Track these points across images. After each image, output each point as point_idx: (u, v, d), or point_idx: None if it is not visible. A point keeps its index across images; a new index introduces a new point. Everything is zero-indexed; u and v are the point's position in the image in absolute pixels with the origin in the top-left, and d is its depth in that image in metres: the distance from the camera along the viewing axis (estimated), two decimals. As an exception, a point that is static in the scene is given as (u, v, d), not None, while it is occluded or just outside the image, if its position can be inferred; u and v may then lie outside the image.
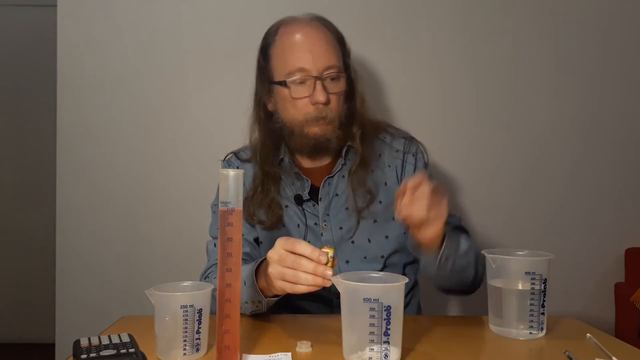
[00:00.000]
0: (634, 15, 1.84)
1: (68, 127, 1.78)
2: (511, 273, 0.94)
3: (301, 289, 0.87)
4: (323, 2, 1.77)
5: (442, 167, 1.81)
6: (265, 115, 1.21)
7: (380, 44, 1.80)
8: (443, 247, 1.01)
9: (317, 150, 1.18)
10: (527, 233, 1.83)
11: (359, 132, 1.19)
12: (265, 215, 1.18)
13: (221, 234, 0.78)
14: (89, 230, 1.79)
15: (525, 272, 0.92)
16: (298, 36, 1.14)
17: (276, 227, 1.18)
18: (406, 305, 1.25)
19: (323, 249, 0.85)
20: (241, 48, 1.79)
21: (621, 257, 1.86)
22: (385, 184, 1.21)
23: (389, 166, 1.22)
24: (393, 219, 1.16)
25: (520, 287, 0.93)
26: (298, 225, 1.20)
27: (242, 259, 1.13)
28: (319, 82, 1.11)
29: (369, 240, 1.18)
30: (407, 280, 0.79)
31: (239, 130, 1.77)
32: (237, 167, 1.26)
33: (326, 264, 0.84)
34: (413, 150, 1.24)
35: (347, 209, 1.19)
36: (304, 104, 1.12)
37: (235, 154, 1.31)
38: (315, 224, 1.19)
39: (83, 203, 1.79)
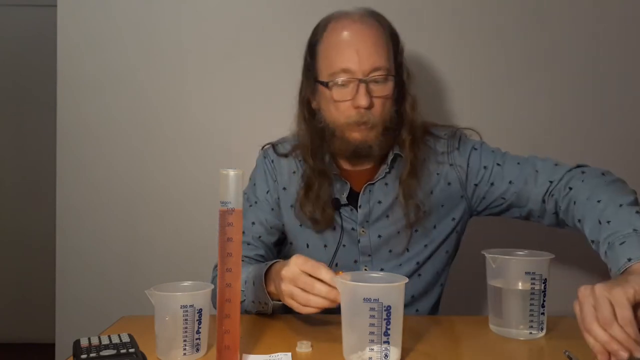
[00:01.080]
0: (634, 15, 1.84)
1: (68, 127, 1.78)
2: (511, 273, 0.94)
3: (309, 310, 0.87)
4: (323, 1, 1.77)
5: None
6: (310, 114, 1.16)
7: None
8: None
9: (358, 156, 1.13)
10: (527, 233, 1.83)
11: (408, 139, 1.13)
12: (321, 215, 1.13)
13: (221, 234, 0.78)
14: (89, 230, 1.79)
15: (525, 272, 0.92)
16: (345, 34, 1.06)
17: (329, 227, 1.14)
18: (433, 308, 1.25)
19: (338, 274, 0.84)
20: (241, 48, 1.80)
21: (621, 257, 1.86)
22: (432, 192, 1.16)
23: (438, 174, 1.17)
24: (434, 227, 1.16)
25: (520, 287, 0.93)
26: (334, 228, 1.15)
27: (255, 260, 1.14)
28: (362, 85, 1.04)
29: (408, 250, 1.16)
30: (406, 280, 0.79)
31: (239, 130, 1.79)
32: (272, 161, 1.22)
33: None
34: (456, 144, 1.18)
35: (387, 217, 1.15)
36: (346, 107, 1.07)
37: (274, 146, 1.25)
38: (353, 229, 1.15)
39: (83, 203, 1.78)
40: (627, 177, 1.84)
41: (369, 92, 1.05)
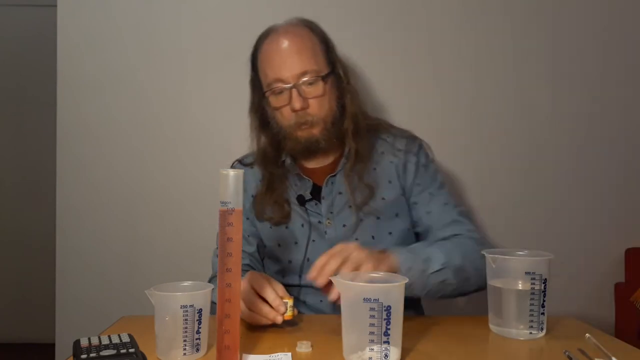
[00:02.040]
0: (634, 15, 1.84)
1: (68, 127, 1.78)
2: (511, 273, 0.94)
3: (254, 323, 0.96)
4: (323, 1, 1.77)
5: (441, 168, 1.81)
6: (262, 122, 1.26)
7: (380, 43, 1.80)
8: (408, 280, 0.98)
9: (311, 152, 1.21)
10: (527, 233, 1.83)
11: (350, 127, 1.21)
12: (273, 212, 1.21)
13: (221, 234, 0.78)
14: (89, 230, 1.79)
15: (525, 272, 0.92)
16: (274, 47, 1.17)
17: (283, 223, 1.21)
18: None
19: (283, 299, 0.95)
20: (241, 48, 1.78)
21: (621, 257, 1.86)
22: (389, 181, 1.22)
23: (391, 162, 1.23)
24: (396, 215, 1.21)
25: (520, 287, 0.93)
26: (302, 225, 1.21)
27: (244, 270, 1.15)
28: (294, 90, 1.14)
29: (373, 237, 1.19)
30: (407, 280, 0.79)
31: (239, 130, 1.78)
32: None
33: (284, 312, 0.94)
34: (414, 150, 1.26)
35: (350, 207, 1.19)
36: (287, 112, 1.16)
37: (240, 160, 1.36)
38: (319, 222, 1.20)
39: (83, 203, 1.78)
40: (627, 177, 1.86)
41: (301, 95, 1.14)
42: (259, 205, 1.23)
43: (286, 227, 1.22)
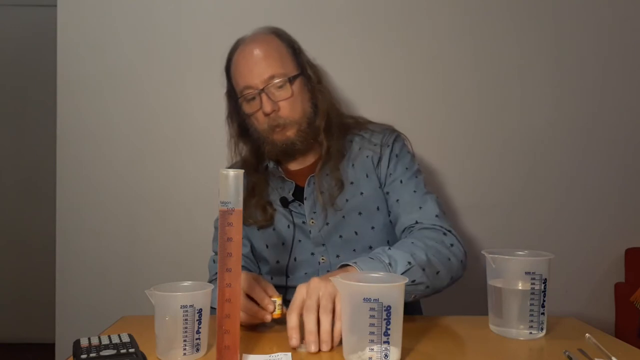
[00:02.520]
0: (634, 15, 1.84)
1: (68, 127, 1.78)
2: (511, 273, 0.94)
3: (244, 323, 0.95)
4: (321, 2, 1.77)
5: (441, 168, 1.82)
6: (241, 131, 1.28)
7: (380, 43, 1.80)
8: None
9: (289, 154, 1.23)
10: (527, 233, 1.83)
11: (322, 125, 1.22)
12: (256, 216, 1.23)
13: (221, 233, 0.78)
14: (89, 230, 1.79)
15: (525, 272, 0.92)
16: (242, 56, 1.20)
17: (269, 225, 1.23)
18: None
19: (272, 298, 0.95)
20: (241, 48, 1.80)
21: (621, 257, 1.86)
22: (367, 175, 1.23)
23: (367, 157, 1.24)
24: (377, 209, 1.22)
25: (520, 287, 0.93)
26: (288, 226, 1.23)
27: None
28: (263, 95, 1.16)
29: (356, 233, 1.20)
30: (407, 280, 0.79)
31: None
32: None
33: (273, 311, 0.94)
34: (389, 142, 1.26)
35: (333, 205, 1.20)
36: (260, 116, 1.18)
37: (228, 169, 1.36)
38: (303, 222, 1.22)
39: (83, 203, 1.79)
40: (627, 177, 1.86)
41: (271, 99, 1.16)
42: (244, 211, 1.22)
43: (273, 229, 1.23)
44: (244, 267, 1.24)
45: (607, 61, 1.84)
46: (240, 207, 0.78)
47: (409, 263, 0.98)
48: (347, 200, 1.20)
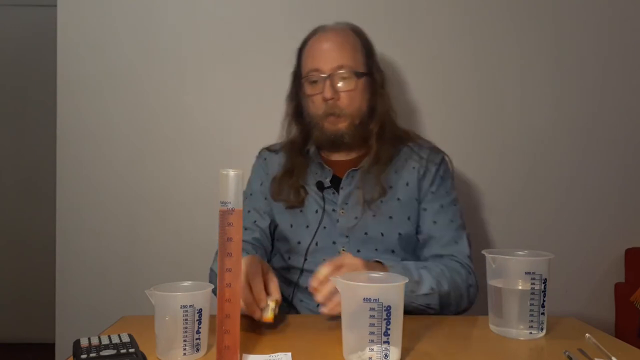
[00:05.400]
0: (634, 15, 1.84)
1: (68, 127, 1.78)
2: (511, 273, 0.94)
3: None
4: (320, 2, 1.77)
5: (442, 167, 1.81)
6: (296, 112, 1.33)
7: (380, 43, 1.79)
8: None
9: (335, 145, 1.27)
10: (527, 233, 1.83)
11: (375, 129, 1.27)
12: (288, 195, 1.27)
13: (221, 233, 0.78)
14: (89, 230, 1.79)
15: (525, 272, 0.92)
16: (318, 41, 1.26)
17: (297, 207, 1.27)
18: None
19: (270, 296, 0.93)
20: (241, 49, 1.80)
21: (621, 257, 1.86)
22: (407, 184, 1.27)
23: (413, 168, 1.29)
24: (408, 218, 1.25)
25: (520, 287, 0.93)
26: (316, 211, 1.26)
27: (251, 243, 1.24)
28: (328, 81, 1.21)
29: (382, 235, 1.23)
30: (407, 280, 0.79)
31: (238, 130, 1.79)
32: (265, 159, 1.38)
33: (263, 308, 0.92)
34: (437, 160, 1.31)
35: (369, 206, 1.24)
36: (318, 100, 1.23)
37: (267, 148, 1.43)
38: (333, 210, 1.25)
39: (83, 203, 1.78)
40: (627, 177, 1.86)
41: (333, 87, 1.21)
42: (276, 187, 1.29)
43: (300, 211, 1.27)
44: (257, 241, 1.27)
45: (607, 61, 1.84)
46: (240, 207, 0.78)
47: (432, 289, 1.09)
48: (381, 202, 1.23)
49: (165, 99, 1.79)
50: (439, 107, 1.81)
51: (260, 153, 1.43)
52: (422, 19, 1.80)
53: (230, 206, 0.77)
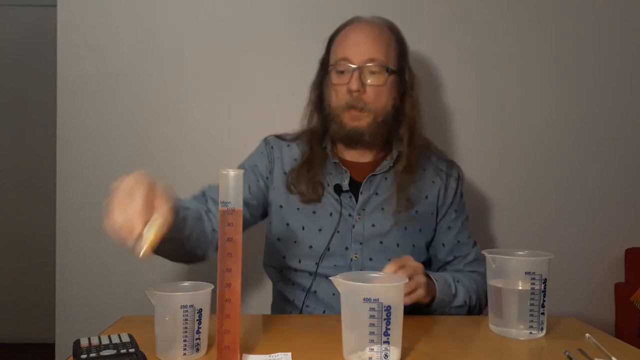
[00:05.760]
0: (634, 15, 1.84)
1: (68, 127, 1.78)
2: (511, 273, 0.94)
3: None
4: (320, 2, 1.77)
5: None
6: (319, 101, 1.27)
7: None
8: (433, 306, 1.11)
9: (353, 142, 1.22)
10: (527, 233, 1.83)
11: (406, 135, 1.23)
12: (306, 189, 1.21)
13: (221, 234, 0.78)
14: (89, 230, 1.78)
15: (525, 272, 0.92)
16: (352, 30, 1.22)
17: (314, 202, 1.22)
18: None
19: (149, 225, 0.73)
20: (241, 49, 1.80)
21: (621, 257, 1.86)
22: (427, 197, 1.25)
23: (433, 182, 1.27)
24: (420, 230, 1.25)
25: (520, 287, 0.93)
26: (331, 214, 1.21)
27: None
28: (356, 72, 1.16)
29: (398, 245, 1.21)
30: (407, 280, 0.79)
31: (238, 130, 1.79)
32: (272, 147, 1.31)
33: (138, 233, 0.73)
34: (456, 175, 1.31)
35: (382, 209, 1.22)
36: (342, 91, 1.18)
37: (277, 135, 1.35)
38: (350, 215, 1.21)
39: (83, 203, 1.78)
40: (627, 177, 1.86)
41: (361, 79, 1.16)
42: (294, 178, 1.23)
43: (313, 212, 1.22)
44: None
45: (607, 61, 1.84)
46: (240, 207, 0.78)
47: (465, 302, 1.16)
48: (399, 212, 1.21)
49: (165, 98, 1.79)
50: (439, 107, 1.81)
51: (266, 139, 1.34)
52: (421, 19, 1.80)
53: (230, 206, 0.77)
